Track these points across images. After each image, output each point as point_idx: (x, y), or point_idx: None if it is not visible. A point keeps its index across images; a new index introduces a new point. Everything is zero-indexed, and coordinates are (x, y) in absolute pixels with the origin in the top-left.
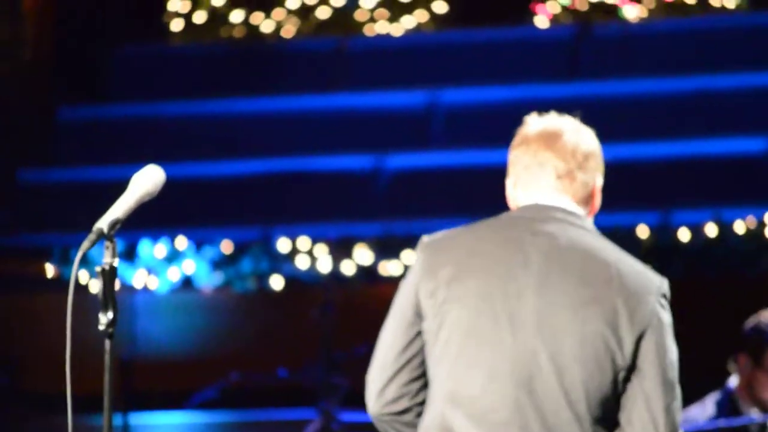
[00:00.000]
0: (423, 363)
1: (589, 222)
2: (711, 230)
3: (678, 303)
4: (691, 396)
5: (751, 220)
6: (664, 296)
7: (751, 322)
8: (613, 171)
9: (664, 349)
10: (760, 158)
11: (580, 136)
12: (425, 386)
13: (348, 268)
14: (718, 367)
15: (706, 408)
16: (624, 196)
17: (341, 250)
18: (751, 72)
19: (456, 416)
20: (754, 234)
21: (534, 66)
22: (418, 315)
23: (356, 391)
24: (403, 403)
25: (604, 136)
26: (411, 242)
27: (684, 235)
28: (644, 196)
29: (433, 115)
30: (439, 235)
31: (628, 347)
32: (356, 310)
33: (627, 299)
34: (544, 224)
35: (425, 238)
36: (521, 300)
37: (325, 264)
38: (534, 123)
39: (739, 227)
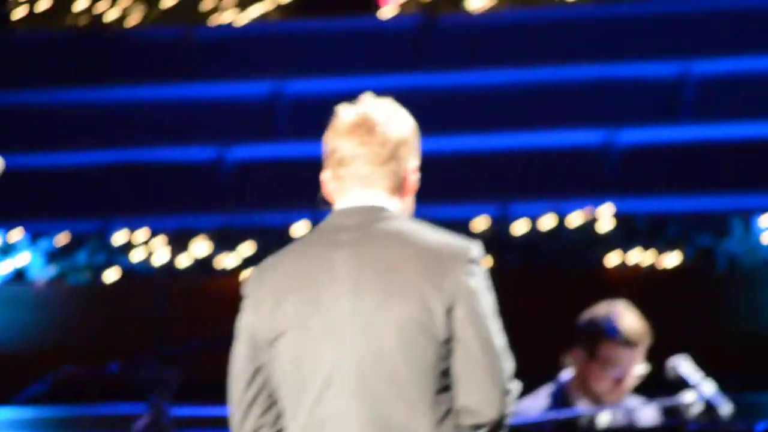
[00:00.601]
0: (273, 391)
1: (398, 212)
2: (547, 222)
3: (514, 293)
4: (525, 385)
5: (588, 213)
6: (472, 261)
7: (585, 316)
8: (453, 163)
9: (478, 315)
10: (597, 151)
11: (391, 124)
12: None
13: (184, 260)
14: (552, 356)
15: (538, 400)
16: (462, 188)
17: (178, 242)
18: (591, 64)
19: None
20: (589, 226)
21: (378, 56)
22: (256, 346)
23: (189, 385)
24: (274, 422)
25: (445, 128)
26: (250, 235)
27: (520, 227)
28: (482, 187)
29: (277, 106)
30: (262, 263)
31: (442, 321)
32: (192, 303)
33: (433, 276)
34: (352, 229)
35: (252, 269)
36: (337, 312)
37: (161, 257)
38: (345, 113)
39: (575, 220)
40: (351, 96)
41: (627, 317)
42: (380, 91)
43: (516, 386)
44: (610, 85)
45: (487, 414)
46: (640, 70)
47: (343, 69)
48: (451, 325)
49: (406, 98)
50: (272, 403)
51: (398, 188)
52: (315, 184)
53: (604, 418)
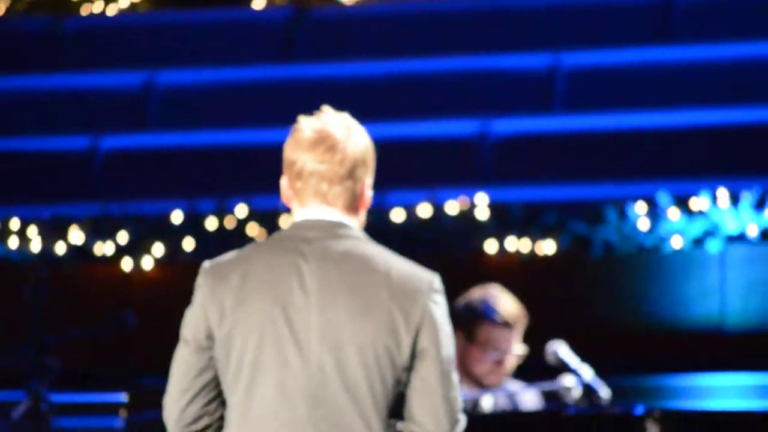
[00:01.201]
0: (219, 383)
1: (358, 230)
2: (424, 211)
3: None
4: None
5: (464, 202)
6: (437, 291)
7: (462, 300)
8: None
9: (439, 345)
10: (472, 141)
11: (350, 142)
12: (223, 403)
13: (60, 248)
14: None
15: None
16: None
17: (54, 230)
18: (465, 55)
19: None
20: (465, 215)
21: (250, 48)
22: (210, 339)
23: (67, 372)
24: (204, 422)
25: None
26: (125, 223)
27: (397, 215)
28: None
29: (150, 96)
30: (219, 260)
31: (407, 348)
32: (69, 290)
33: (401, 303)
34: (316, 242)
35: (207, 264)
36: (302, 321)
37: (36, 244)
38: (306, 126)
39: (452, 208)
40: (222, 87)
41: (503, 299)
42: (251, 83)
43: (464, 418)
44: (483, 76)
45: None
46: (513, 61)
47: (214, 60)
48: (414, 353)
49: (276, 90)
50: (216, 394)
51: (354, 205)
52: (188, 174)
53: (486, 402)
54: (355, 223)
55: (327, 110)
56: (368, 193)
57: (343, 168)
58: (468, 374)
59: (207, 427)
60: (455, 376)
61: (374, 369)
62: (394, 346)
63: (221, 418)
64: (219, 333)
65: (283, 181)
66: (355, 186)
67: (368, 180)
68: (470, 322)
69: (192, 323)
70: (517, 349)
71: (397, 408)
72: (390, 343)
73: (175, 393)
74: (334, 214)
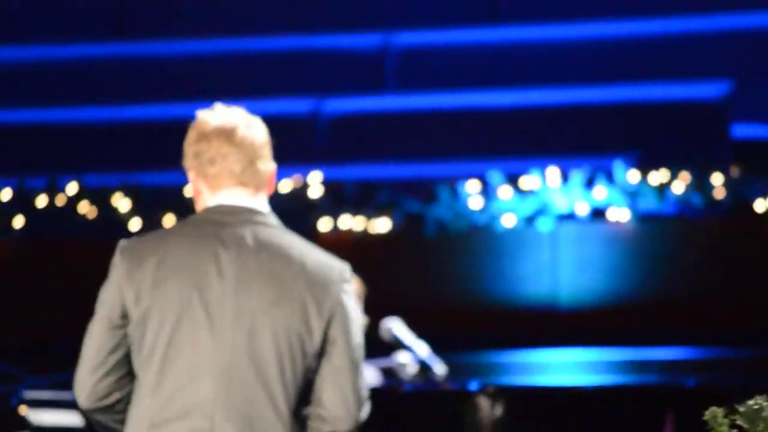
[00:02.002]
0: (130, 359)
1: (273, 217)
2: None
3: None
4: None
5: (297, 180)
6: (346, 281)
7: None
8: (156, 130)
9: (349, 334)
10: (305, 120)
11: (253, 129)
12: (132, 379)
13: None
14: None
15: None
16: (170, 155)
17: None
18: (298, 34)
19: (162, 414)
20: (299, 193)
21: (82, 26)
22: (125, 318)
23: None
24: (115, 397)
25: (147, 97)
26: None
27: None
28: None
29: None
30: (136, 240)
31: (318, 336)
32: None
33: (314, 292)
34: (233, 228)
35: (123, 242)
36: (218, 305)
37: None
38: (211, 118)
39: (285, 187)
40: (50, 65)
41: None
42: (86, 60)
43: (368, 404)
44: (316, 56)
45: (345, 425)
46: (345, 41)
47: (47, 37)
48: (325, 341)
49: (109, 67)
50: (127, 371)
51: (263, 188)
52: (18, 152)
53: None
54: (264, 203)
55: (220, 105)
56: (273, 178)
57: (253, 150)
58: None
59: (118, 401)
60: (363, 364)
61: (286, 355)
62: (306, 334)
63: (129, 393)
64: (135, 313)
65: (191, 174)
66: (264, 167)
67: (272, 164)
68: None
69: (107, 302)
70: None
71: (305, 394)
72: (302, 331)
73: (88, 368)
74: (248, 197)
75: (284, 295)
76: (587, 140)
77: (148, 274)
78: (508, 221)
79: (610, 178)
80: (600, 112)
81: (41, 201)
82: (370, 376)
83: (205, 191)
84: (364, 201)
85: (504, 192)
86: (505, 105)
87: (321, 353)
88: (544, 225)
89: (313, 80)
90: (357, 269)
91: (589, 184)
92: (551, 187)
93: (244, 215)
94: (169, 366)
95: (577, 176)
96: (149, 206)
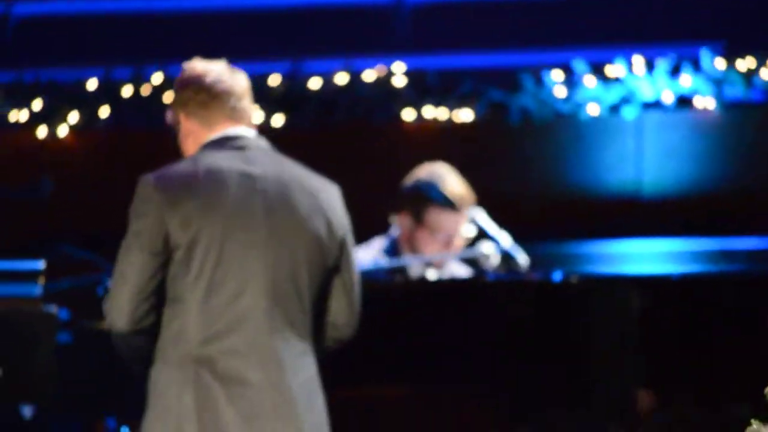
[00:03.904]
0: (165, 283)
1: (268, 143)
2: (341, 79)
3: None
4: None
5: (380, 70)
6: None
7: (408, 181)
8: (245, 19)
9: (352, 250)
10: (389, 8)
11: (237, 74)
12: (164, 304)
13: None
14: (363, 207)
15: (370, 251)
16: (254, 47)
17: None
18: None
19: (213, 327)
20: (382, 82)
21: None
22: (166, 245)
23: None
24: (150, 319)
25: None
26: (40, 90)
27: (314, 83)
28: (274, 45)
29: None
30: (165, 173)
31: (336, 250)
32: None
33: (332, 211)
34: (252, 152)
35: (151, 177)
36: (258, 225)
37: None
38: (196, 65)
39: (369, 76)
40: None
41: (450, 181)
42: None
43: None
44: None
45: (348, 332)
46: None
47: None
48: (340, 255)
49: None
50: (161, 296)
51: (252, 123)
52: (104, 41)
53: (431, 275)
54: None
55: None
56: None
57: (242, 91)
58: (417, 253)
59: (153, 324)
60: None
61: (313, 266)
62: (328, 250)
63: (159, 319)
64: (183, 239)
65: (183, 117)
66: (251, 106)
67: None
68: (418, 204)
69: (146, 233)
70: (465, 231)
71: (321, 304)
72: (325, 245)
73: (129, 293)
74: (246, 129)
75: (311, 214)
76: (673, 28)
77: (191, 201)
78: (593, 110)
79: (696, 65)
80: None
81: (127, 91)
82: (459, 268)
83: (199, 130)
84: (447, 90)
85: (588, 80)
86: None
87: (336, 267)
88: (628, 113)
89: None
90: (440, 159)
91: (675, 72)
92: (636, 76)
93: (254, 142)
94: (217, 285)
95: (663, 64)
96: None
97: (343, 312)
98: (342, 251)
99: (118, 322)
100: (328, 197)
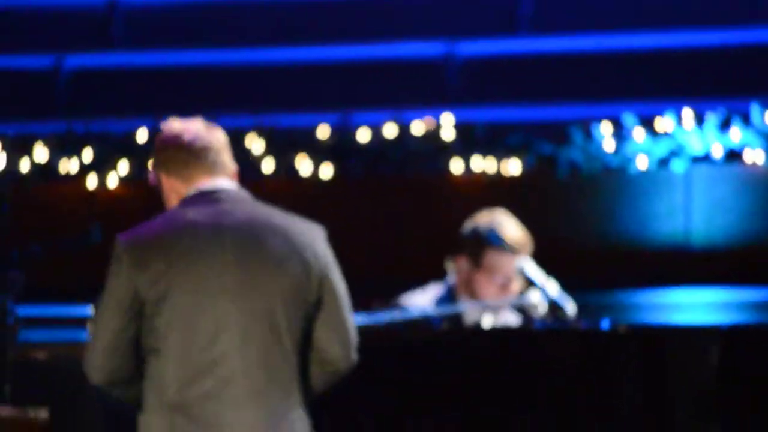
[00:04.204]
0: (138, 337)
1: (247, 193)
2: (389, 131)
3: (359, 201)
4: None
5: (429, 122)
6: (326, 239)
7: (468, 226)
8: (295, 72)
9: (339, 283)
10: (438, 61)
11: (214, 130)
12: (140, 356)
13: (25, 165)
14: (408, 259)
15: (426, 295)
16: (305, 98)
17: (18, 148)
18: None
19: (188, 373)
20: (431, 135)
21: None
22: (136, 301)
23: (29, 287)
24: (124, 373)
25: (288, 37)
26: (90, 141)
27: (363, 135)
28: (324, 97)
29: (114, 15)
30: (136, 233)
31: (315, 288)
32: (33, 208)
33: (309, 251)
34: (226, 203)
35: (121, 238)
36: (230, 275)
37: (0, 161)
38: (177, 125)
39: (417, 128)
40: (190, 6)
41: (509, 225)
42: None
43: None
44: None
45: (344, 364)
46: None
47: None
48: (321, 291)
49: (251, 10)
50: (135, 347)
51: (231, 175)
52: (154, 92)
53: (486, 321)
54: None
55: (177, 121)
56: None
57: (221, 141)
58: (474, 297)
59: (129, 376)
60: (350, 308)
61: (292, 308)
62: (307, 287)
63: (138, 367)
64: (151, 295)
65: (164, 176)
66: (230, 160)
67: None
68: (477, 248)
69: (116, 291)
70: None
71: (306, 342)
72: (303, 285)
73: (101, 349)
74: (226, 182)
75: (285, 257)
76: (723, 82)
77: (160, 259)
78: (642, 163)
79: (745, 120)
80: (736, 53)
81: None
82: (511, 316)
83: (180, 186)
84: (496, 143)
85: (638, 134)
86: (640, 47)
87: (319, 303)
88: (678, 167)
89: (447, 22)
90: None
91: (725, 126)
92: (686, 129)
93: (231, 194)
94: (191, 333)
95: (712, 118)
96: (282, 148)
97: (331, 348)
98: (323, 289)
99: (93, 376)
100: (305, 239)
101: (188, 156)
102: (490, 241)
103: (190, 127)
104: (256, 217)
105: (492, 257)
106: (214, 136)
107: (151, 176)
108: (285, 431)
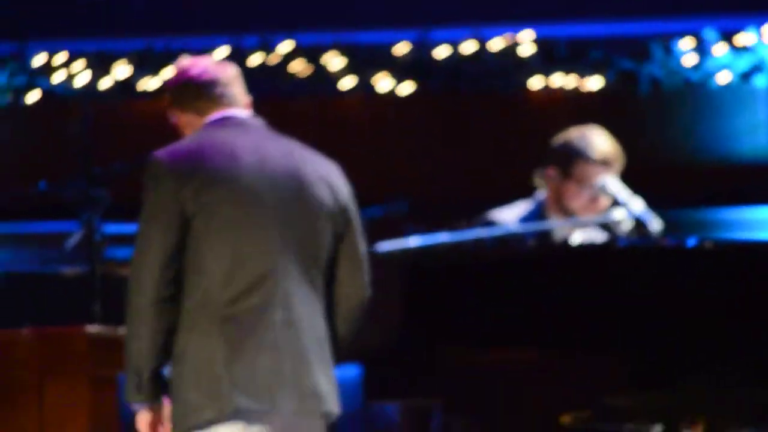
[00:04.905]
0: (183, 255)
1: (263, 122)
2: (468, 47)
3: (438, 117)
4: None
5: (508, 38)
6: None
7: (560, 139)
8: None
9: (358, 217)
10: None
11: (223, 65)
12: (185, 275)
13: (106, 83)
14: (485, 174)
15: (515, 212)
16: (383, 15)
17: (99, 65)
18: None
19: (237, 288)
20: (510, 51)
21: None
22: (184, 216)
23: (115, 204)
24: (172, 290)
25: None
26: (170, 58)
27: (441, 52)
28: (402, 13)
29: None
30: (173, 148)
31: (341, 219)
32: (113, 125)
33: (336, 182)
34: (253, 129)
35: (160, 154)
36: (271, 192)
37: (82, 79)
38: (185, 61)
39: (496, 44)
40: None
41: (600, 138)
42: None
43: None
44: None
45: (356, 303)
46: None
47: None
48: (345, 222)
49: None
50: (182, 268)
51: (245, 106)
52: (232, 10)
53: (575, 237)
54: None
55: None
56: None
57: (230, 74)
58: (562, 209)
59: (173, 294)
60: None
61: (326, 235)
62: (334, 220)
63: (181, 286)
64: (196, 210)
65: (176, 112)
66: (241, 91)
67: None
68: (566, 158)
69: (164, 203)
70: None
71: (330, 273)
72: (334, 212)
73: (153, 264)
74: (242, 112)
75: (317, 183)
76: None
77: (201, 172)
78: (723, 78)
79: None
80: None
81: (255, 59)
82: (596, 232)
83: (195, 119)
84: (576, 59)
85: (719, 48)
86: None
87: (340, 237)
88: (760, 81)
89: None
90: (569, 127)
91: None
92: (767, 44)
93: (252, 120)
94: (236, 251)
95: None
96: (362, 64)
97: (352, 282)
98: (346, 221)
99: (145, 292)
100: (330, 170)
101: (198, 88)
102: (580, 151)
103: (198, 62)
104: (283, 142)
105: (582, 167)
106: (222, 70)
107: (169, 116)
108: (327, 349)
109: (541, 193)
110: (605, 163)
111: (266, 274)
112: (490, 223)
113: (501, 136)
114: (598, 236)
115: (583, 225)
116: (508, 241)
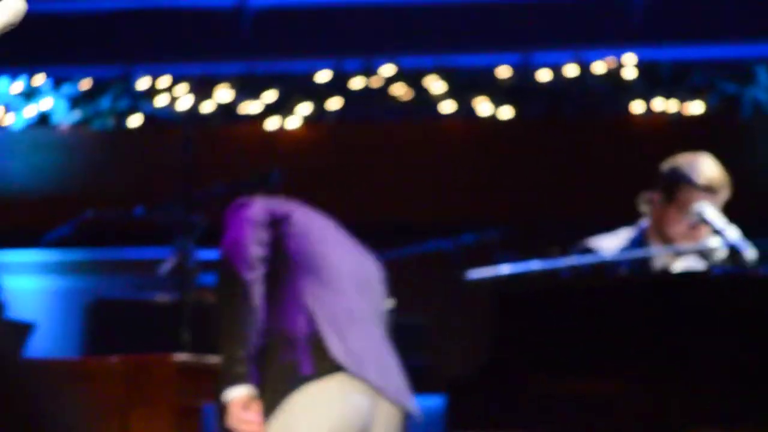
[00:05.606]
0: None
1: None
2: (570, 71)
3: (539, 142)
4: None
5: (611, 61)
6: None
7: (668, 163)
8: (475, 12)
9: None
10: (619, 0)
11: None
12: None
13: (207, 107)
14: (581, 199)
15: (615, 240)
16: (485, 38)
17: (202, 88)
18: None
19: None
20: (612, 74)
21: None
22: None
23: (212, 230)
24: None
25: None
26: (272, 82)
27: (543, 75)
28: (505, 36)
29: None
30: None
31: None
32: (214, 149)
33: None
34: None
35: (252, 200)
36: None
37: (184, 103)
38: None
39: (599, 68)
40: None
41: (708, 164)
42: None
43: None
44: None
45: None
46: None
47: None
48: None
49: None
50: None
51: None
52: (335, 33)
53: (677, 266)
54: None
55: None
56: None
57: None
58: (662, 234)
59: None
60: None
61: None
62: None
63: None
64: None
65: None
66: None
67: None
68: (672, 182)
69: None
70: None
71: None
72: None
73: (244, 281)
74: None
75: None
76: None
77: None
78: None
79: None
80: None
81: (357, 83)
82: (695, 260)
83: None
84: (678, 83)
85: None
86: None
87: None
88: None
89: None
90: (669, 152)
91: None
92: None
93: None
94: (335, 280)
95: None
96: (463, 88)
97: None
98: None
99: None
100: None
101: None
102: (685, 176)
103: None
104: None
105: (686, 192)
106: None
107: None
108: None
109: (645, 221)
110: (709, 190)
111: (358, 312)
112: (588, 251)
113: (602, 160)
114: (698, 265)
115: (680, 252)
116: (601, 269)
